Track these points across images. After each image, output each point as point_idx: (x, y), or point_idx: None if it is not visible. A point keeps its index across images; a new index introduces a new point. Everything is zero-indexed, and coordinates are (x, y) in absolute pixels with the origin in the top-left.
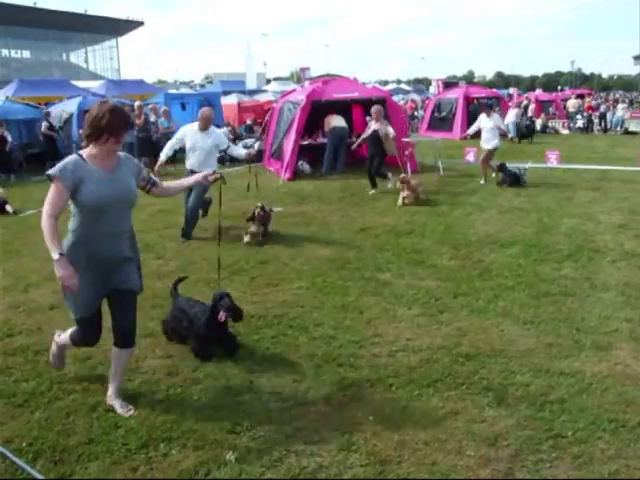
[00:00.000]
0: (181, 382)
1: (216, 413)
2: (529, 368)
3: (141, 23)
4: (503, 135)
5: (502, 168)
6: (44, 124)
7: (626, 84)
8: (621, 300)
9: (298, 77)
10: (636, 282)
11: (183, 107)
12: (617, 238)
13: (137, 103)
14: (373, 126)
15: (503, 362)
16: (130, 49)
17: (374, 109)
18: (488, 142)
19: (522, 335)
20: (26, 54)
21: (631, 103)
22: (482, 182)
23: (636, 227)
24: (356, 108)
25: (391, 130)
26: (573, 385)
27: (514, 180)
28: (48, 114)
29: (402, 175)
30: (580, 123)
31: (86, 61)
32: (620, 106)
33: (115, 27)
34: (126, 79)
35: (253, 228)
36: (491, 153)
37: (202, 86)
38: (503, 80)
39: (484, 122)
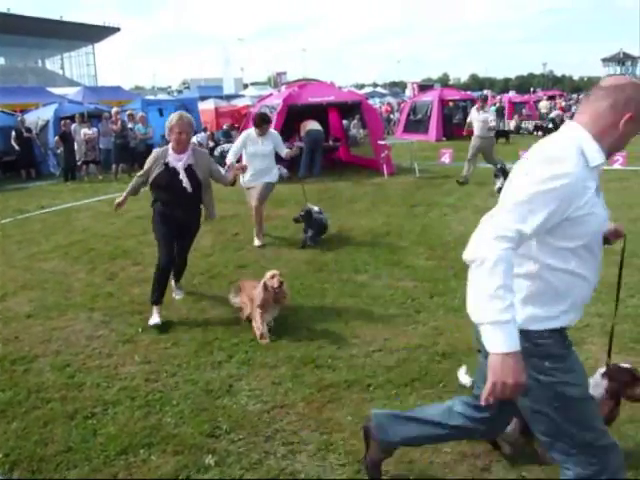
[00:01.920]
0: (160, 387)
1: (195, 417)
2: None
3: (117, 29)
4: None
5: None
6: (14, 133)
7: None
8: (593, 296)
9: (275, 81)
10: (607, 278)
11: (161, 113)
12: None
13: (114, 109)
14: None
15: None
16: (107, 55)
17: None
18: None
19: None
20: (1, 61)
21: None
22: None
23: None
24: (332, 112)
25: None
26: None
27: None
28: (22, 122)
29: None
30: (552, 124)
31: (62, 68)
32: None
33: (91, 33)
34: (103, 85)
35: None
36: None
37: (179, 92)
38: (477, 82)
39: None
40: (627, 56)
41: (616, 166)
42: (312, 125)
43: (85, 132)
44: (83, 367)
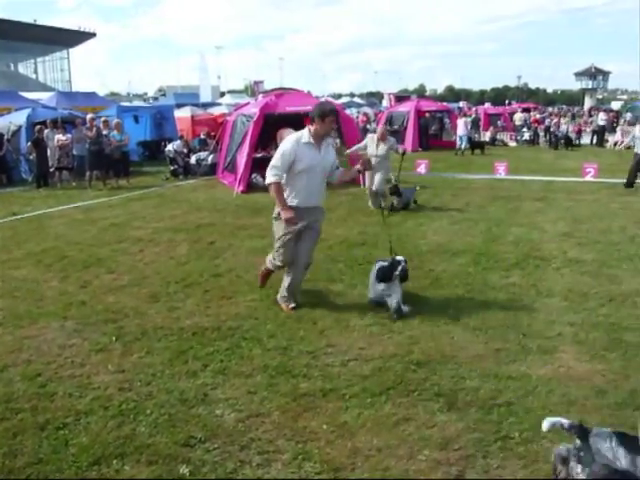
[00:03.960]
0: (135, 397)
1: (170, 427)
2: (478, 373)
3: (93, 34)
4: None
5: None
6: None
7: (568, 98)
8: (565, 305)
9: (252, 90)
10: (578, 288)
11: (136, 120)
12: (561, 246)
13: (89, 116)
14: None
15: (453, 368)
16: (82, 60)
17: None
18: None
19: (471, 341)
20: None
21: (573, 117)
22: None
23: (579, 235)
24: (309, 121)
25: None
26: (520, 388)
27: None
28: None
29: None
30: (527, 136)
31: (35, 72)
32: (563, 120)
33: (66, 38)
34: (77, 91)
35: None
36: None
37: (155, 99)
38: (453, 94)
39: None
40: (599, 71)
41: (588, 178)
42: (288, 134)
43: (59, 138)
44: (55, 376)
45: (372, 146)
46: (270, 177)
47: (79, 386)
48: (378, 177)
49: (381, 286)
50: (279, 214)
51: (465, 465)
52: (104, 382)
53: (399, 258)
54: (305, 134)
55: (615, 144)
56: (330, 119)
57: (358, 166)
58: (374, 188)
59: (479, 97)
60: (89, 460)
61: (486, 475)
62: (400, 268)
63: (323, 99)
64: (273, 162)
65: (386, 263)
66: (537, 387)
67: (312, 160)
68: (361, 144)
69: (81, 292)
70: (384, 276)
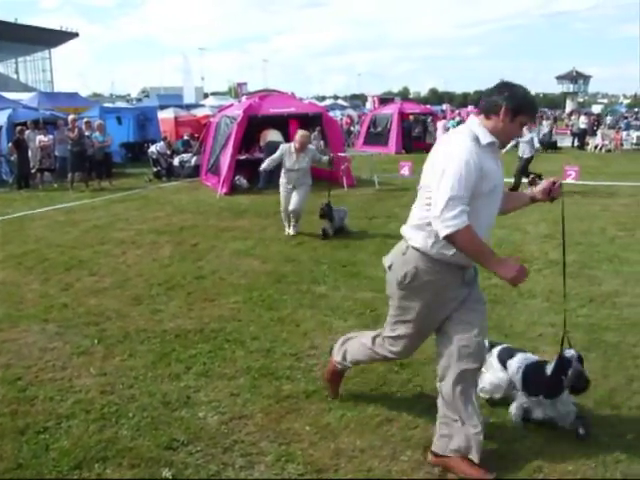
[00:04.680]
0: (117, 400)
1: (152, 430)
2: None
3: (75, 34)
4: None
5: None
6: None
7: (550, 102)
8: (546, 306)
9: (236, 92)
10: (559, 289)
11: (119, 121)
12: (542, 248)
13: (71, 117)
14: None
15: (436, 369)
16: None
17: None
18: None
19: None
20: None
21: (555, 120)
22: None
23: (560, 237)
24: (293, 123)
25: None
26: None
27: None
28: None
29: None
30: None
31: (16, 72)
32: (545, 123)
33: (48, 38)
34: (59, 91)
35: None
36: None
37: (139, 100)
38: (437, 97)
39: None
40: (579, 74)
41: (569, 180)
42: (272, 136)
43: (40, 139)
44: (35, 380)
45: (289, 158)
46: (456, 220)
47: (60, 390)
48: (296, 195)
49: (532, 401)
50: (421, 281)
51: None
52: (86, 385)
53: (569, 353)
54: (480, 132)
55: (596, 147)
56: (526, 119)
57: None
58: (291, 208)
59: (462, 100)
60: (70, 464)
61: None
62: (572, 372)
63: (307, 101)
64: (449, 192)
65: (535, 359)
66: None
67: (497, 175)
68: (275, 155)
69: (62, 295)
70: (549, 387)
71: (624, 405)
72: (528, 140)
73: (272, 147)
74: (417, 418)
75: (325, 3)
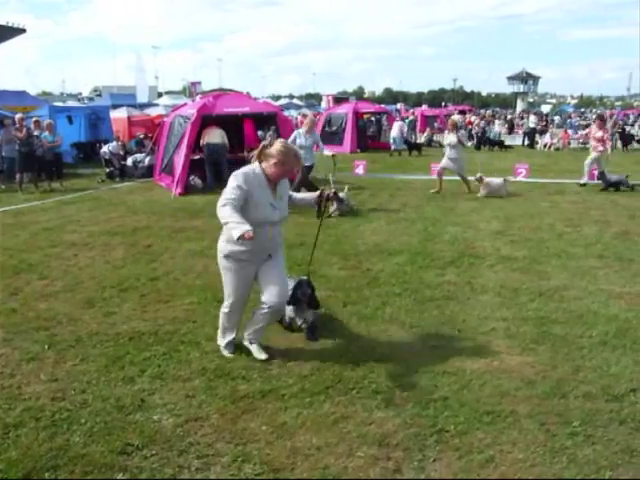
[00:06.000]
0: (68, 406)
1: (106, 435)
2: (415, 370)
3: (23, 30)
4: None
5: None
6: None
7: (502, 101)
8: (497, 301)
9: (190, 91)
10: (510, 284)
11: (70, 120)
12: (494, 244)
13: (18, 115)
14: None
15: (391, 366)
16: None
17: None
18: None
19: (408, 339)
20: None
21: (506, 119)
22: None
23: (511, 233)
24: (247, 122)
25: None
26: (455, 383)
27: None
28: None
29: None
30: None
31: None
32: (497, 122)
33: None
34: (6, 90)
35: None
36: None
37: (90, 99)
38: (392, 96)
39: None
40: (529, 75)
41: (519, 178)
42: (211, 137)
43: None
44: None
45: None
46: None
47: (8, 397)
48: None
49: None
50: None
51: (403, 459)
52: (35, 392)
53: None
54: None
55: (545, 146)
56: None
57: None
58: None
59: (417, 99)
60: (18, 475)
61: (422, 470)
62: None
63: (262, 101)
64: None
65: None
66: (471, 381)
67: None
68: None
69: (11, 299)
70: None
71: (571, 394)
72: None
73: (212, 148)
74: (372, 414)
75: (280, 2)
